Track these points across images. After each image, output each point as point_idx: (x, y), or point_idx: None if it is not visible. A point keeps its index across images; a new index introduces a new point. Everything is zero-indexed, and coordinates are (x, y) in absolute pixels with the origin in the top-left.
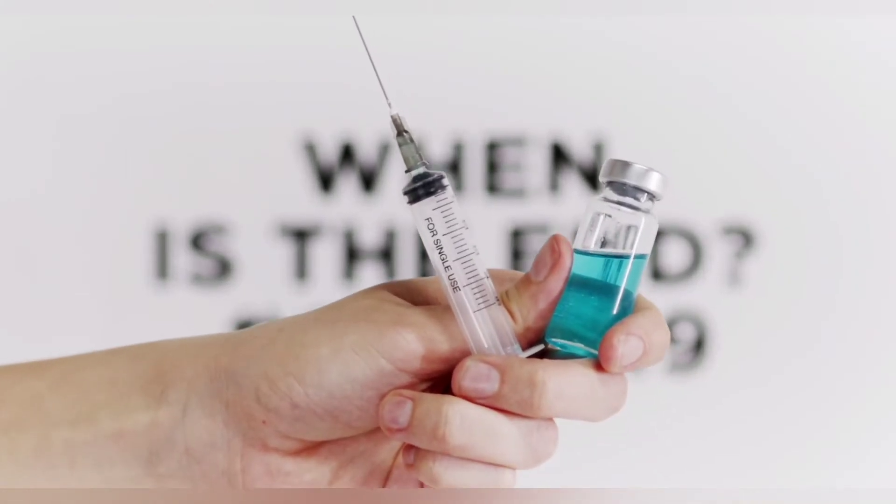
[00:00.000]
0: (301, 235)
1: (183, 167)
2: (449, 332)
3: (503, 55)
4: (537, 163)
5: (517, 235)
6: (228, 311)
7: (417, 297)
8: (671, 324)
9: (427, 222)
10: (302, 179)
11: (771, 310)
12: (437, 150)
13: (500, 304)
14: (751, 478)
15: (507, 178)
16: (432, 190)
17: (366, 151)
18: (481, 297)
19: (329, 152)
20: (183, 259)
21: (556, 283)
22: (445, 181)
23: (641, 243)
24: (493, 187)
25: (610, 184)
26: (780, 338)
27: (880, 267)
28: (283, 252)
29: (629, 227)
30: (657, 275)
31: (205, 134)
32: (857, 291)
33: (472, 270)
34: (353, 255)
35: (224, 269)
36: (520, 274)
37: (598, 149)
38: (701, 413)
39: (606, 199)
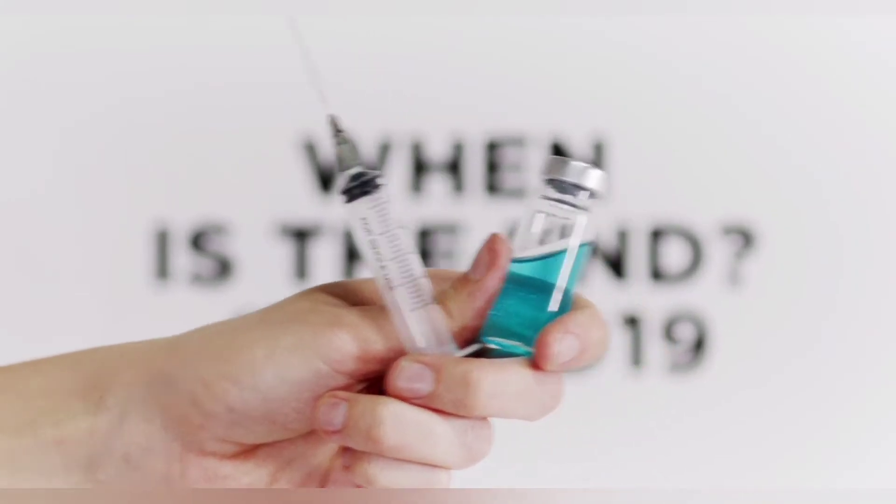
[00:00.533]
0: (301, 235)
1: (183, 167)
2: (384, 332)
3: (503, 55)
4: (537, 163)
5: None
6: (228, 312)
7: (354, 297)
8: (671, 324)
9: (362, 222)
10: (302, 179)
11: (771, 310)
12: (437, 150)
13: (436, 304)
14: (751, 478)
15: (508, 178)
16: (367, 189)
17: (365, 151)
18: (416, 296)
19: (329, 152)
20: (183, 259)
21: (494, 282)
22: (381, 181)
23: (580, 241)
24: (493, 187)
25: (550, 181)
26: (780, 338)
27: (880, 267)
28: (283, 252)
29: (567, 225)
30: (657, 275)
31: (205, 134)
32: (857, 291)
33: (407, 270)
34: (352, 255)
35: (224, 269)
36: (459, 274)
37: (598, 149)
38: (701, 413)
39: (546, 197)
